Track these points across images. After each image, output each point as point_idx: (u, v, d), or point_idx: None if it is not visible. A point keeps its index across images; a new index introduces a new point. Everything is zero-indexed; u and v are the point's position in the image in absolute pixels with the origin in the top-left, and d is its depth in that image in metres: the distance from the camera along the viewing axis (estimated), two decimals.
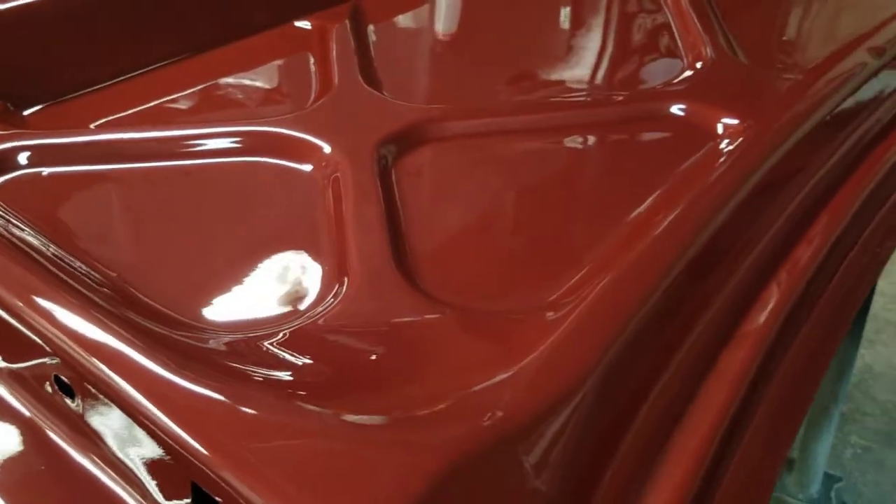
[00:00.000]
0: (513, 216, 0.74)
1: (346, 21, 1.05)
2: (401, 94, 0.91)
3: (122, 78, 0.93)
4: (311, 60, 0.98)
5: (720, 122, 0.83)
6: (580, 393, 0.50)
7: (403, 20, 1.12)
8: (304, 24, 1.06)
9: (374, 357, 0.56)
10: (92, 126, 0.85)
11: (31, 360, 0.55)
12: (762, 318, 0.63)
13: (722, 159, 0.75)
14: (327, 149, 0.78)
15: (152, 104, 0.90)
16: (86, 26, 0.90)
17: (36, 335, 0.51)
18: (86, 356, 0.50)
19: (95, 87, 0.91)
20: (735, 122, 0.82)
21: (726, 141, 0.80)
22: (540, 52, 1.06)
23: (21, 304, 0.52)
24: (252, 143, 0.81)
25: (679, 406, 0.57)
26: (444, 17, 1.13)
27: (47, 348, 0.53)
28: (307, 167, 0.78)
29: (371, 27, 1.07)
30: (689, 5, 1.09)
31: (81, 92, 0.90)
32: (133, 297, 0.62)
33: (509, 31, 1.10)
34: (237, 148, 0.81)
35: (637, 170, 0.78)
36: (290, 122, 0.82)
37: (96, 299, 0.56)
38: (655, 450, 0.54)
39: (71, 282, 0.58)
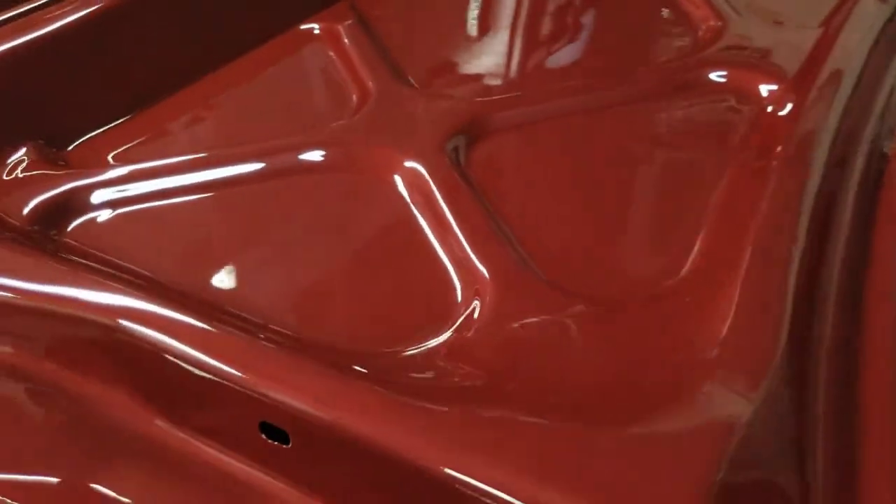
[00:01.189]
0: (604, 198, 0.76)
1: (353, 19, 1.03)
2: (441, 88, 0.91)
3: (145, 106, 0.88)
4: (336, 64, 0.96)
5: (762, 86, 0.87)
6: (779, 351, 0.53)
7: (404, 10, 1.10)
8: (311, 27, 1.03)
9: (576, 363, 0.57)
10: (137, 156, 0.81)
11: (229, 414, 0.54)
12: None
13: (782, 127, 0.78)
14: (398, 156, 0.77)
15: (193, 127, 0.87)
16: (112, 53, 0.85)
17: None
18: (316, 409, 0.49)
19: (126, 117, 0.86)
20: (775, 86, 0.86)
21: (772, 107, 0.84)
22: (546, 35, 1.07)
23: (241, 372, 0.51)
24: (315, 160, 0.79)
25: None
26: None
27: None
28: (383, 178, 0.77)
29: (377, 21, 1.05)
30: None
31: (114, 123, 0.86)
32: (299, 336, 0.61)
33: (508, 10, 1.11)
34: (295, 165, 0.79)
35: (708, 140, 0.81)
36: (347, 133, 0.81)
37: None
38: None
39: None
